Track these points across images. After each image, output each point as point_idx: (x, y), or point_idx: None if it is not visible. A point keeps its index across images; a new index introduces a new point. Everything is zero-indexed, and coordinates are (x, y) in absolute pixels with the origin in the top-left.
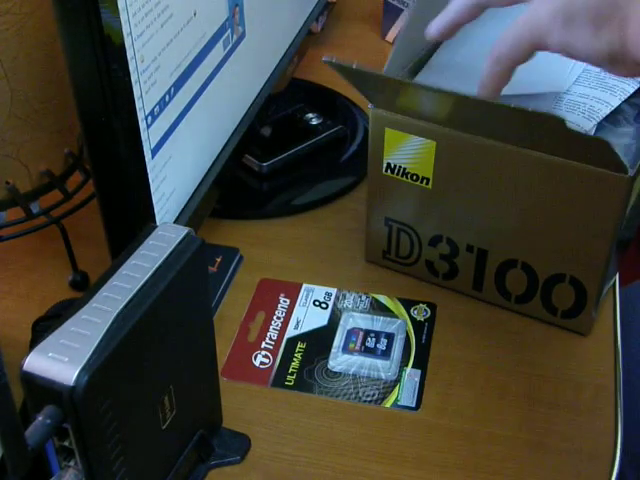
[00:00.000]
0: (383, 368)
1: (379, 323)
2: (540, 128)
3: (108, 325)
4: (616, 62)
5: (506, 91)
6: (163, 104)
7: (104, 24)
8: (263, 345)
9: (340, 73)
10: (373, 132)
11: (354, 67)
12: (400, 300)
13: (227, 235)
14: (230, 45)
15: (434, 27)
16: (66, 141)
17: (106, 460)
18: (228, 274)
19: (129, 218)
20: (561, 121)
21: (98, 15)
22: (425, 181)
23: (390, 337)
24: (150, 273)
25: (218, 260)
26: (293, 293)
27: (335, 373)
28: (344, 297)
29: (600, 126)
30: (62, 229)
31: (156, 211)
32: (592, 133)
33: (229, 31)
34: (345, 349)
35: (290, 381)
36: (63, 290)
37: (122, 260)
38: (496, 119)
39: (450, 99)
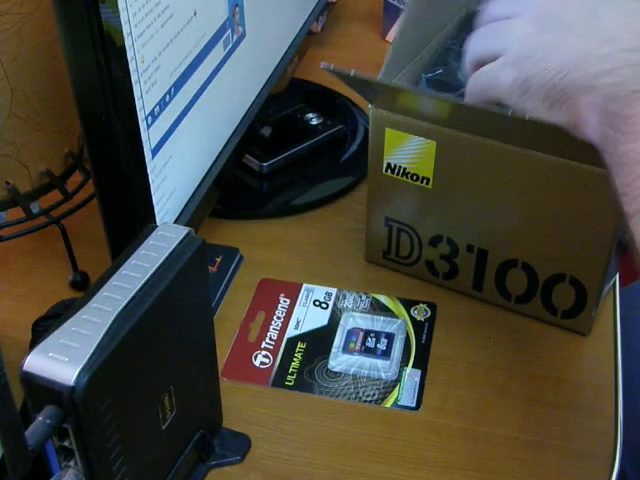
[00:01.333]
0: (383, 368)
1: (379, 323)
2: (541, 132)
3: (108, 325)
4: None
5: None
6: (163, 104)
7: (104, 24)
8: (263, 345)
9: (338, 79)
10: (373, 132)
11: (352, 74)
12: (400, 300)
13: (227, 235)
14: (230, 45)
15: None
16: (66, 141)
17: (106, 460)
18: (228, 274)
19: (129, 218)
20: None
21: (98, 15)
22: (425, 181)
23: (390, 337)
24: (150, 273)
25: (218, 260)
26: (293, 293)
27: (335, 373)
28: (344, 297)
29: None
30: (62, 229)
31: (156, 211)
32: None
33: (229, 31)
34: (345, 349)
35: (290, 381)
36: (63, 290)
37: (122, 260)
38: (494, 123)
39: (447, 105)
